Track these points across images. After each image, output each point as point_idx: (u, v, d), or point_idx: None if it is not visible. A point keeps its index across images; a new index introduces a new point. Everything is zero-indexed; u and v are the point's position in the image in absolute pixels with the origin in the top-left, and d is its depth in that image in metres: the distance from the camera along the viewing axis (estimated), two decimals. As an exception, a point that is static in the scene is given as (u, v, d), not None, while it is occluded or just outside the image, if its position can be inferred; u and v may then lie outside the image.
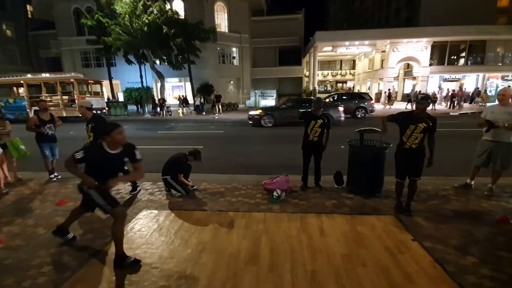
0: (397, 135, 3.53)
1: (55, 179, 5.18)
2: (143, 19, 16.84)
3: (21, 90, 17.30)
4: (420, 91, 21.53)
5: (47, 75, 17.63)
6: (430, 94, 20.39)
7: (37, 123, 4.96)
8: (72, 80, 16.41)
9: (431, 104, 19.22)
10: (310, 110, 4.42)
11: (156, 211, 3.75)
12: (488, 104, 13.36)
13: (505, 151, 3.88)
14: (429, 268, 2.44)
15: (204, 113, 20.08)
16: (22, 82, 16.77)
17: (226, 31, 26.26)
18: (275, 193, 4.04)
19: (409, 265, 2.49)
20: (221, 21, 26.09)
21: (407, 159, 3.44)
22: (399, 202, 3.63)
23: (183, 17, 20.92)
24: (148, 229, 3.27)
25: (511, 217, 3.33)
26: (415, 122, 3.30)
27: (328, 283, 2.30)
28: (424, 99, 3.34)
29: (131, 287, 2.30)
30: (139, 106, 21.24)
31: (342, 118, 12.92)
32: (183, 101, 20.93)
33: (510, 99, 3.89)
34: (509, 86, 21.79)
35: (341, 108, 13.05)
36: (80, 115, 4.52)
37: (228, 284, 2.32)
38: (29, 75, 17.75)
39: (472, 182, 4.30)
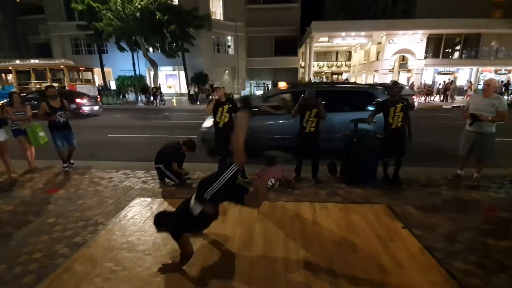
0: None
1: (67, 168, 5.00)
2: (135, 4, 16.36)
3: (10, 76, 16.82)
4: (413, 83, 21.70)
5: (37, 61, 17.14)
6: (424, 86, 20.50)
7: (47, 110, 4.74)
8: (62, 66, 15.99)
9: (426, 97, 19.38)
10: (303, 100, 4.19)
11: (149, 199, 3.73)
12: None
13: (487, 141, 3.95)
14: (418, 255, 2.50)
15: (198, 102, 19.85)
16: (10, 68, 16.30)
17: (221, 19, 25.77)
18: (269, 182, 4.04)
19: (399, 252, 2.54)
20: (216, 8, 25.55)
21: (393, 138, 4.03)
22: (386, 175, 4.32)
23: (176, 3, 20.40)
24: (141, 216, 3.26)
25: (499, 207, 3.43)
26: (394, 104, 3.99)
27: (319, 268, 2.35)
28: (394, 85, 4.09)
29: (124, 273, 2.30)
30: (121, 96, 21.09)
31: (85, 110, 11.59)
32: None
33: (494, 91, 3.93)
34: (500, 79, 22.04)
35: (81, 100, 11.34)
36: (218, 97, 4.32)
37: (221, 270, 2.34)
38: (17, 61, 17.24)
39: (462, 172, 4.38)
